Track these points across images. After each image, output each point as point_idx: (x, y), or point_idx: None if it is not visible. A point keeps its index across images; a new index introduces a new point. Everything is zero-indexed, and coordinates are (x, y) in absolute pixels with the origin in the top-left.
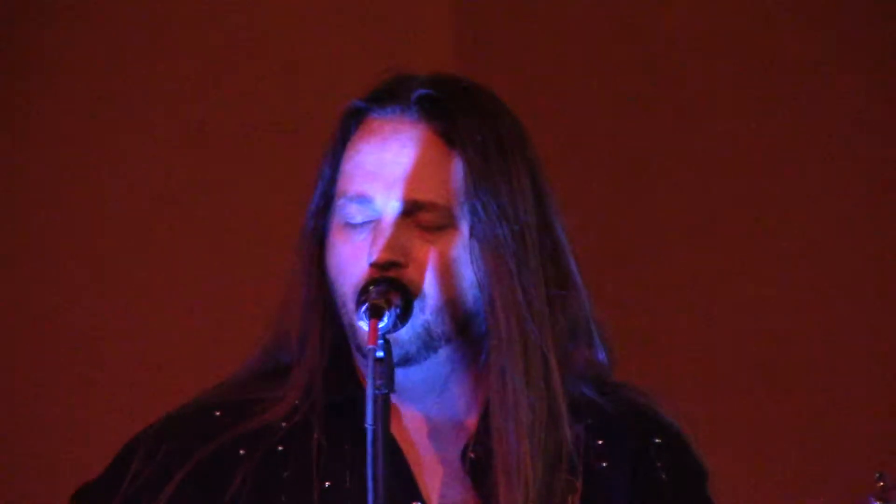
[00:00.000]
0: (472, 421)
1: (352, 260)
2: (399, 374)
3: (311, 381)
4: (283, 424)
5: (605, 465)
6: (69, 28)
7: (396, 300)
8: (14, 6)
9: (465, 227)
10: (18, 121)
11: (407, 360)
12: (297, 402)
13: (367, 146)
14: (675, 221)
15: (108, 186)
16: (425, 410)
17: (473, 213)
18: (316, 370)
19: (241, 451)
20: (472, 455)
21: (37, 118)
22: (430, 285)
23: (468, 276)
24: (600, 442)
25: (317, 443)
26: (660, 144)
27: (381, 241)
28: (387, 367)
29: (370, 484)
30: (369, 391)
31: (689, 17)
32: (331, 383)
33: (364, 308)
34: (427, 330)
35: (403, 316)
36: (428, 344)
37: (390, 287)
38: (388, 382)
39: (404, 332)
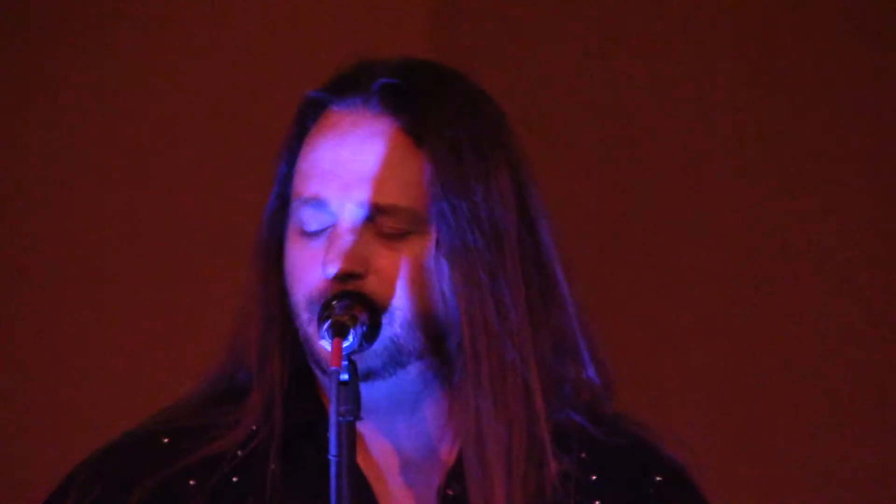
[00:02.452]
0: (448, 452)
1: (306, 268)
2: (362, 389)
3: (270, 404)
4: (238, 453)
5: (598, 503)
6: (70, 29)
7: (362, 316)
8: (16, 8)
9: (433, 234)
10: (17, 121)
11: (370, 375)
12: (253, 427)
13: (324, 142)
14: (666, 222)
15: (106, 187)
16: (395, 437)
17: (442, 217)
18: (275, 391)
19: (192, 482)
20: (449, 493)
21: (35, 119)
22: (397, 297)
23: (439, 286)
24: (594, 477)
25: (273, 473)
26: (648, 144)
27: (337, 251)
28: (352, 391)
29: None
30: (333, 418)
31: (681, 17)
32: (291, 405)
33: (327, 326)
34: (396, 344)
35: (370, 334)
36: (396, 359)
37: (355, 302)
38: (355, 409)
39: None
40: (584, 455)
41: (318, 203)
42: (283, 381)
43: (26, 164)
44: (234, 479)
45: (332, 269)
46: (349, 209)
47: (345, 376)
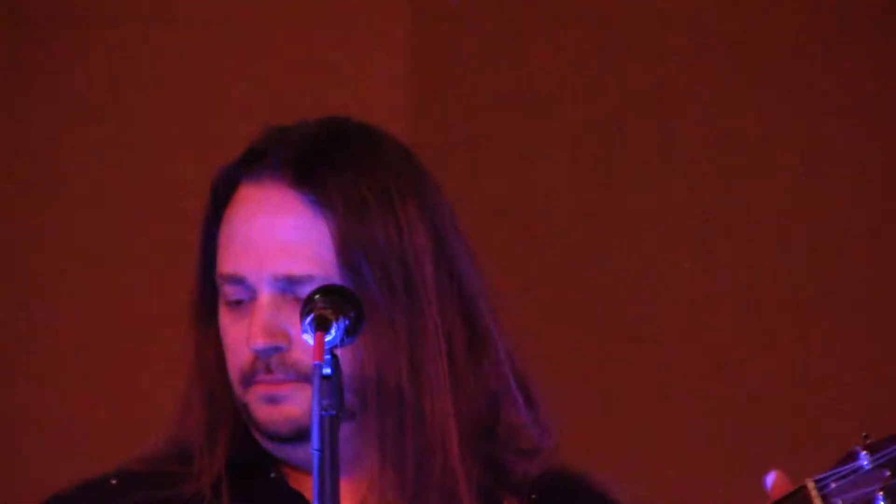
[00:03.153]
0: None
1: (236, 341)
2: (300, 450)
3: (219, 458)
4: (186, 495)
5: None
6: (70, 30)
7: (347, 308)
8: (20, 10)
9: None
10: (21, 125)
11: (301, 437)
12: (202, 478)
13: (236, 219)
14: (642, 240)
15: (105, 188)
16: (352, 482)
17: (350, 280)
18: (224, 447)
19: None
20: None
21: (38, 121)
22: (306, 363)
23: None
24: None
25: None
26: (625, 154)
27: (258, 326)
28: (335, 385)
29: None
30: (315, 412)
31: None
32: (237, 451)
33: (309, 320)
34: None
35: (354, 326)
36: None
37: (338, 295)
38: (337, 403)
39: (297, 408)
40: (534, 496)
41: (235, 279)
42: (228, 438)
43: (27, 164)
44: None
45: (255, 345)
46: (266, 283)
47: (328, 370)
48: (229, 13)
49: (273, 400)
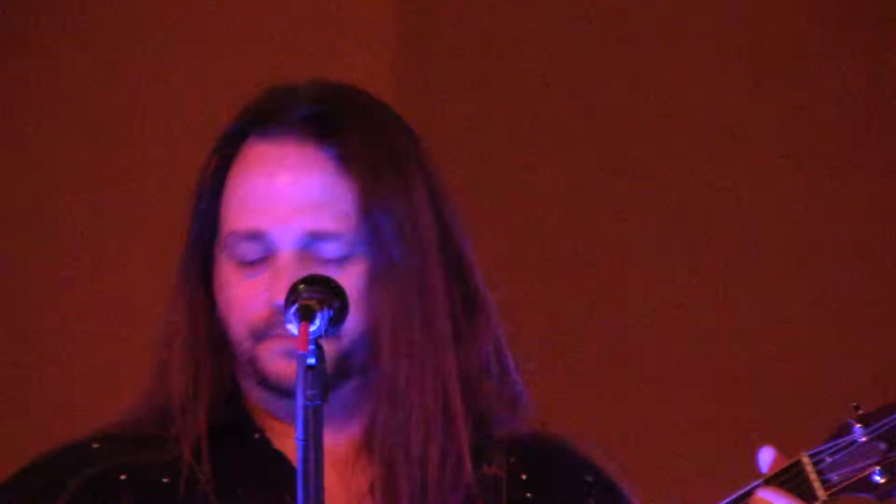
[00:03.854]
0: (371, 452)
1: (248, 299)
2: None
3: (198, 425)
4: (167, 458)
5: (529, 496)
6: (67, 30)
7: (331, 299)
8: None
9: (366, 256)
10: (19, 122)
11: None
12: (183, 442)
13: (254, 175)
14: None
15: (103, 185)
16: (335, 442)
17: (369, 237)
18: (202, 414)
19: (123, 476)
20: (377, 494)
21: (35, 119)
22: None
23: (369, 307)
24: (524, 476)
25: (204, 472)
26: (607, 168)
27: (283, 282)
28: (320, 375)
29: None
30: (299, 402)
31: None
32: (217, 413)
33: (293, 310)
34: (343, 359)
35: (338, 317)
36: (342, 373)
37: (322, 286)
38: (323, 392)
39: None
40: (512, 459)
41: (256, 235)
42: (213, 396)
43: (24, 161)
44: (165, 480)
45: (280, 300)
46: (289, 239)
47: (312, 360)
48: None
49: (291, 354)
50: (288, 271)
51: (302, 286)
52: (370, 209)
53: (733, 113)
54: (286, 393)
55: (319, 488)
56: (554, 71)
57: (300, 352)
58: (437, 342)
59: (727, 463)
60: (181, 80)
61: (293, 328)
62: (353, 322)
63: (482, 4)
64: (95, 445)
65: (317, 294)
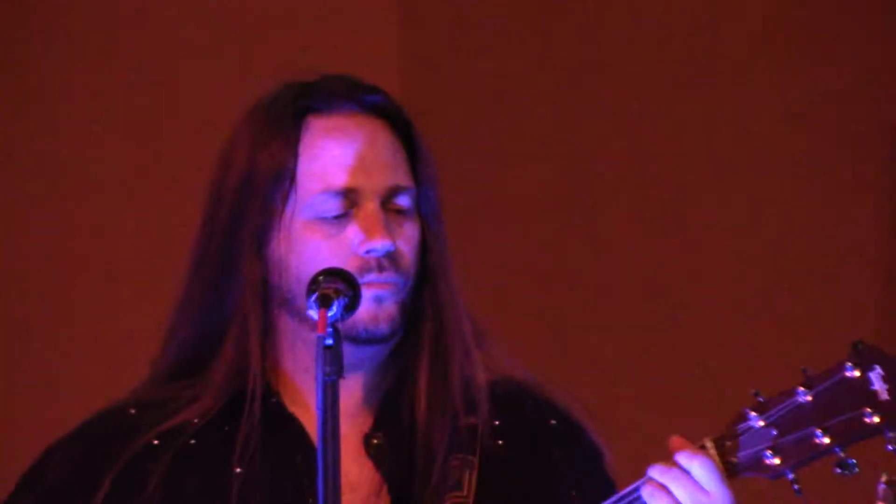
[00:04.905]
0: (370, 406)
1: (337, 251)
2: (369, 351)
3: (228, 378)
4: (196, 421)
5: (500, 443)
6: (65, 30)
7: (344, 289)
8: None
9: (419, 212)
10: (15, 119)
11: (395, 335)
12: (211, 402)
13: (334, 143)
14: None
15: (101, 182)
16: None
17: (424, 198)
18: (240, 365)
19: (155, 442)
20: (374, 441)
21: (34, 117)
22: (411, 266)
23: (421, 254)
24: (497, 423)
25: (226, 434)
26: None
27: (380, 227)
28: (336, 355)
29: (320, 471)
30: (319, 378)
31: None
32: (245, 377)
33: (314, 298)
34: (404, 308)
35: (351, 304)
36: (404, 321)
37: (338, 278)
38: (338, 370)
39: (396, 308)
40: (487, 406)
41: (345, 191)
42: (233, 366)
43: (22, 158)
44: (192, 442)
45: (377, 244)
46: (376, 192)
47: (329, 341)
48: None
49: (379, 300)
50: (379, 218)
51: (321, 277)
52: (425, 176)
53: (727, 114)
54: (368, 340)
55: (336, 457)
56: (558, 66)
57: (319, 334)
58: (459, 291)
59: None
60: (184, 73)
61: (314, 313)
62: (413, 274)
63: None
64: (132, 411)
65: (334, 284)
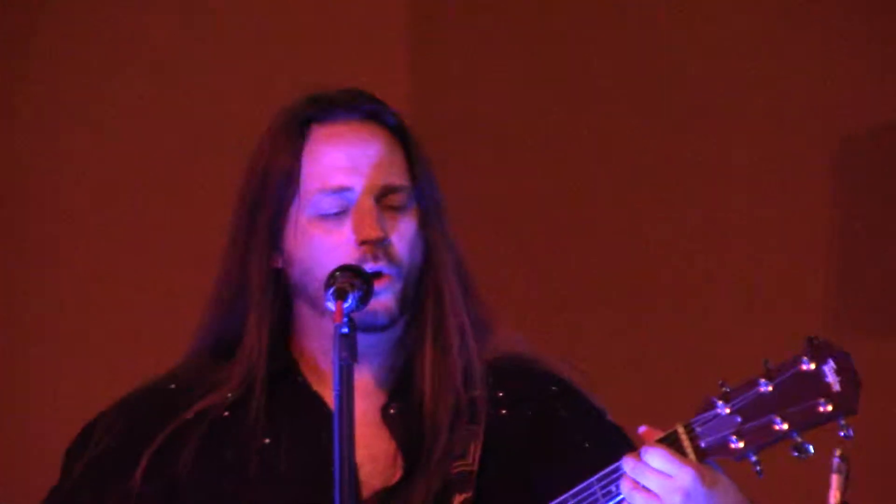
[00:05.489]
0: (386, 382)
1: (337, 246)
2: (373, 338)
3: (255, 358)
4: (229, 396)
5: (504, 412)
6: (64, 30)
7: (358, 283)
8: (9, 6)
9: (415, 207)
10: (16, 119)
11: (394, 322)
12: (240, 381)
13: (333, 147)
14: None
15: (103, 180)
16: (357, 375)
17: (421, 194)
18: (256, 353)
19: (191, 417)
20: (391, 412)
21: (33, 117)
22: (405, 257)
23: (421, 247)
24: (500, 394)
25: (256, 407)
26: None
27: (371, 221)
28: (351, 342)
29: (336, 442)
30: (335, 362)
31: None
32: (271, 358)
33: (331, 291)
34: (405, 294)
35: (364, 297)
36: (404, 307)
37: (353, 273)
38: (353, 354)
39: (392, 299)
40: (490, 379)
41: (342, 190)
42: (265, 340)
43: (23, 158)
44: (226, 415)
45: (369, 236)
46: (368, 190)
47: (345, 329)
48: None
49: (375, 293)
50: (372, 213)
51: (338, 273)
52: (421, 174)
53: (739, 112)
54: (368, 329)
55: (351, 432)
56: (566, 67)
57: (335, 323)
58: (462, 275)
59: None
60: (194, 80)
61: (331, 305)
62: (409, 264)
63: (492, 3)
64: (172, 386)
65: (349, 279)
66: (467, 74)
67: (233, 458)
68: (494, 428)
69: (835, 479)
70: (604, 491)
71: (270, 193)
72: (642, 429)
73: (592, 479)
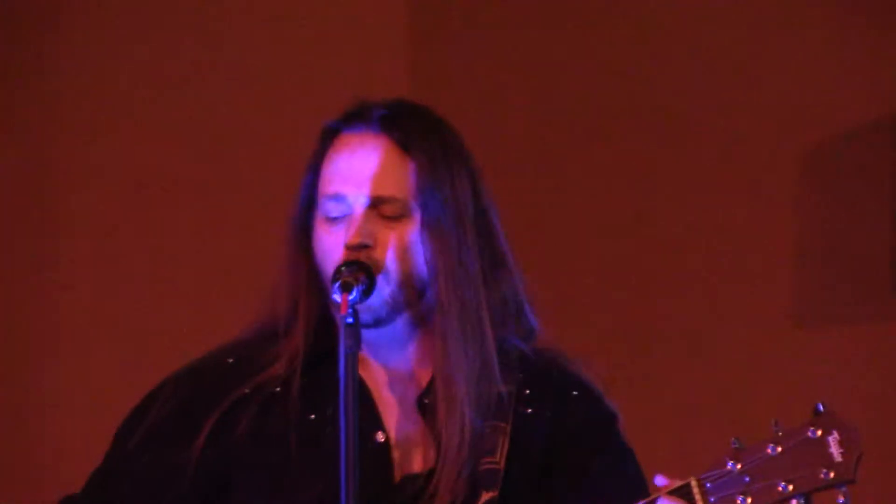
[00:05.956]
0: (424, 373)
1: (332, 248)
2: (372, 333)
3: (299, 343)
4: (281, 373)
5: (530, 411)
6: (66, 29)
7: (362, 278)
8: (15, 6)
9: (418, 216)
10: (17, 117)
11: (379, 322)
12: (289, 359)
13: (341, 155)
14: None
15: (110, 181)
16: (389, 363)
17: (423, 205)
18: (302, 334)
19: (247, 391)
20: (425, 401)
21: (35, 116)
22: (392, 262)
23: (422, 254)
24: (528, 391)
25: (304, 385)
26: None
27: (353, 228)
28: (355, 331)
29: (342, 418)
30: (341, 349)
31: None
32: (314, 341)
33: (337, 285)
34: (393, 298)
35: (368, 290)
36: (394, 309)
37: (358, 268)
38: (357, 342)
39: (376, 300)
40: (521, 375)
41: (338, 197)
42: (308, 325)
43: (25, 158)
44: (277, 390)
45: (350, 241)
46: (360, 200)
47: (350, 320)
48: None
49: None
50: (358, 222)
51: (343, 268)
52: (425, 186)
53: (727, 114)
54: (362, 325)
55: (355, 411)
56: (565, 59)
57: (341, 314)
58: (472, 282)
59: None
60: (194, 80)
61: (337, 297)
62: (399, 269)
63: (492, 3)
64: (230, 360)
65: (353, 273)
66: (467, 74)
67: (282, 431)
68: (520, 427)
69: None
70: None
71: (303, 193)
72: (658, 478)
73: None
